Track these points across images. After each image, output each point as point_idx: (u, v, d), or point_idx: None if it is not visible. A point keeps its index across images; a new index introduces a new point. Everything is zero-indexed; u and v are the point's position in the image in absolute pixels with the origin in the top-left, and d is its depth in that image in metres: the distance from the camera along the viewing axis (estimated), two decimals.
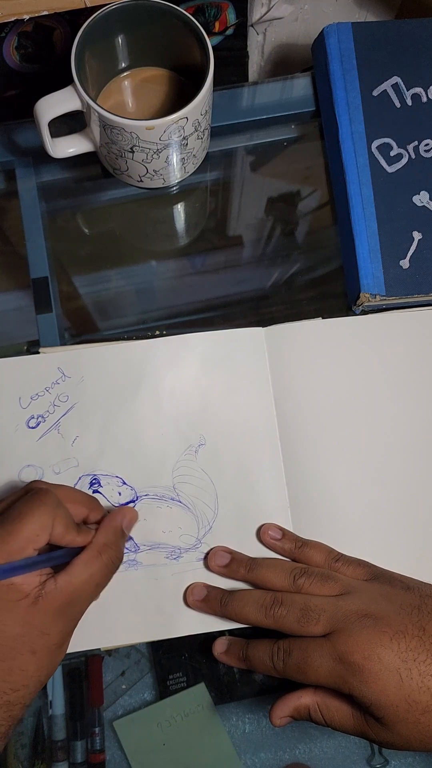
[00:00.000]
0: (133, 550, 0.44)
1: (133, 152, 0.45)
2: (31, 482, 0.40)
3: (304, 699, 0.39)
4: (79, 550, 0.38)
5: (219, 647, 0.42)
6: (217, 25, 0.56)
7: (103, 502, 0.44)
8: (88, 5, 0.44)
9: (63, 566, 0.37)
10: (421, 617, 0.37)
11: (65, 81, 0.43)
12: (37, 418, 0.45)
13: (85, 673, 0.48)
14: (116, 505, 0.44)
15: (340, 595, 0.39)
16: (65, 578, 0.36)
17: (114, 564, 0.39)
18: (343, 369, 0.47)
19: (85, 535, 0.38)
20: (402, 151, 0.49)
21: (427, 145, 0.49)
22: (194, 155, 0.49)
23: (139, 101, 0.49)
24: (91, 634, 0.43)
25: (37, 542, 0.35)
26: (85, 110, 0.44)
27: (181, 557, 0.44)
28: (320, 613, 0.38)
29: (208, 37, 0.43)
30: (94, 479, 0.45)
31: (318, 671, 0.37)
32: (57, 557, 0.37)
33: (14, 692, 0.34)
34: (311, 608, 0.38)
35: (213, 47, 0.44)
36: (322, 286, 0.52)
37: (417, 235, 0.48)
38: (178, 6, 0.44)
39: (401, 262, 0.47)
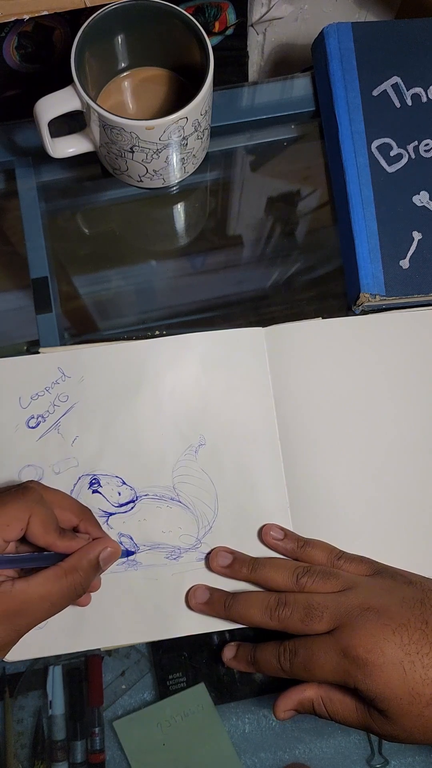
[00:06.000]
0: (132, 550, 0.44)
1: (133, 152, 0.45)
2: (25, 481, 0.39)
3: (308, 692, 0.39)
4: (59, 559, 0.37)
5: (228, 653, 0.42)
6: (217, 25, 0.56)
7: (103, 502, 0.44)
8: (88, 5, 0.44)
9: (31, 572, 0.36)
10: (424, 610, 0.37)
11: (65, 81, 0.43)
12: (37, 418, 0.45)
13: (84, 673, 0.48)
14: (116, 505, 0.44)
15: (342, 591, 0.39)
16: (22, 586, 0.35)
17: (76, 591, 0.38)
18: (343, 369, 0.47)
19: (68, 542, 0.38)
20: (402, 151, 0.49)
21: (427, 145, 0.49)
22: (194, 155, 0.49)
23: (139, 101, 0.49)
24: (91, 634, 0.43)
25: (6, 533, 0.35)
26: (85, 110, 0.44)
27: (181, 557, 0.44)
28: (323, 610, 0.38)
29: (208, 37, 0.43)
30: (94, 479, 0.45)
31: (323, 668, 0.37)
32: (24, 560, 0.36)
33: None
34: (314, 606, 0.38)
35: (213, 47, 0.44)
36: (322, 286, 0.52)
37: (417, 235, 0.48)
38: (178, 6, 0.44)
39: (401, 262, 0.47)
